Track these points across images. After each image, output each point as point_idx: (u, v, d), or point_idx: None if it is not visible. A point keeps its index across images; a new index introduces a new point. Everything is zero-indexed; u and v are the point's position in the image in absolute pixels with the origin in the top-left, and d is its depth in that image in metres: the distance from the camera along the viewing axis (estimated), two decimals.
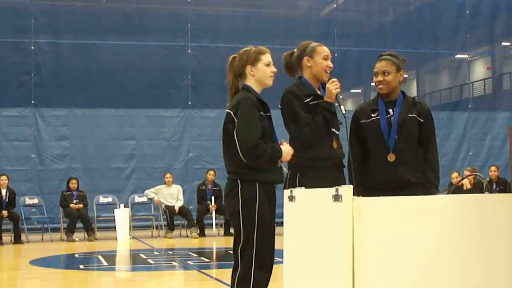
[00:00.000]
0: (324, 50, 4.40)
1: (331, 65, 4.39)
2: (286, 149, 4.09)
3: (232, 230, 13.50)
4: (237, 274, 4.06)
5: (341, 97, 4.30)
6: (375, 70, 4.33)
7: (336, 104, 4.31)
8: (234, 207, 4.06)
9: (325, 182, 3.57)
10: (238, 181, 4.05)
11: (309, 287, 3.16)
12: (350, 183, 4.20)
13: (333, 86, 4.26)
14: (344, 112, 4.22)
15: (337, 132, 4.36)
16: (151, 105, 15.54)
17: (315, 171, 4.19)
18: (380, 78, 4.30)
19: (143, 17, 16.11)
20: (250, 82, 4.18)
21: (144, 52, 15.84)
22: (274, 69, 4.22)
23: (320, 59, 4.37)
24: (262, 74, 4.18)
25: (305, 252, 3.21)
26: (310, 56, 4.38)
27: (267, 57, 4.20)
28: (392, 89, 4.33)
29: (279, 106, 4.36)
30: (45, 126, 15.05)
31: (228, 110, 4.10)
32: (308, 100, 4.31)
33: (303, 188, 3.45)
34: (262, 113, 4.09)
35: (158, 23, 15.98)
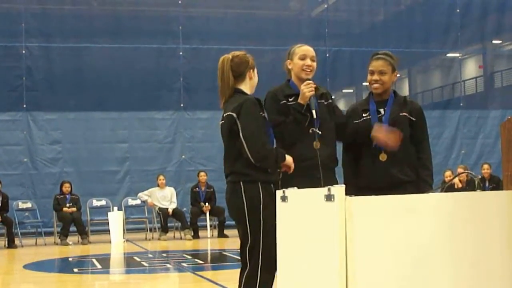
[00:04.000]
0: (302, 50, 4.41)
1: (308, 63, 4.36)
2: (290, 160, 4.09)
3: (226, 232, 13.63)
4: (245, 274, 4.05)
5: (314, 101, 4.27)
6: (371, 68, 4.31)
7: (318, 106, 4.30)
8: (238, 209, 4.02)
9: (304, 183, 3.56)
10: (241, 182, 4.01)
11: (302, 287, 3.16)
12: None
13: (307, 88, 4.26)
14: (314, 117, 4.23)
15: (319, 132, 4.29)
16: (143, 108, 15.52)
17: (296, 171, 4.15)
18: (376, 77, 4.29)
19: (134, 19, 16.09)
20: (246, 85, 4.17)
21: (136, 54, 15.80)
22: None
23: (297, 59, 4.39)
24: (256, 80, 4.23)
25: (298, 252, 3.21)
26: (291, 59, 4.44)
27: None
28: (386, 89, 4.34)
29: None
30: (37, 130, 15.02)
31: (230, 113, 4.03)
32: (290, 100, 4.33)
33: (295, 188, 3.46)
34: (262, 113, 4.10)
35: (149, 26, 15.96)
